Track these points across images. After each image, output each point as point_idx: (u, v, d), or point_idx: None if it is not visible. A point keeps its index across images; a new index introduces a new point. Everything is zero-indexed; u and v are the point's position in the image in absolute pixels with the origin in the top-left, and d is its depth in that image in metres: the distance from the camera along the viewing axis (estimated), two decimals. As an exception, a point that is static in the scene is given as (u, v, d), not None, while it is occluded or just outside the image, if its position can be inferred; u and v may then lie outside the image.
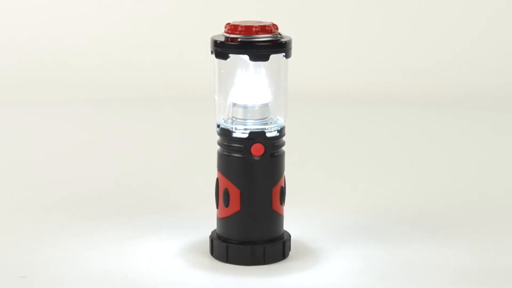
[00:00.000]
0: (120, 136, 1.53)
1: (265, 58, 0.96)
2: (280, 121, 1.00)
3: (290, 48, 0.97)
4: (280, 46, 0.96)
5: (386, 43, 1.90)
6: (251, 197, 0.99)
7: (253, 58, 0.96)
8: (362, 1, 1.93)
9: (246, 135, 0.98)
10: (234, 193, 0.99)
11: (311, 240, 1.07)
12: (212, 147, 1.01)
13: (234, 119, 0.98)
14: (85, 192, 1.22)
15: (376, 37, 1.90)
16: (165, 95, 1.78)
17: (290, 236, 1.02)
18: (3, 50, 1.86)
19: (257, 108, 0.98)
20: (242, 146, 0.98)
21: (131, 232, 1.07)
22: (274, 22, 0.98)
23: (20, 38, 1.89)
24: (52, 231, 1.08)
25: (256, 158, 0.98)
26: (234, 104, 0.98)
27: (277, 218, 1.00)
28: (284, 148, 1.00)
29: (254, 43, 0.95)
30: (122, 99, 1.75)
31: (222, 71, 0.97)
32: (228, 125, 0.98)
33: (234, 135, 0.98)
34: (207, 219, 1.06)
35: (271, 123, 0.99)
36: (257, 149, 0.98)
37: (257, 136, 0.98)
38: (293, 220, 1.05)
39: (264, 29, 0.96)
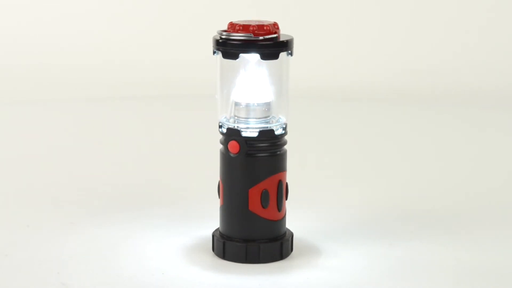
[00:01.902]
0: (121, 135, 1.54)
1: (234, 56, 0.96)
2: (282, 120, 0.99)
3: (269, 49, 0.95)
4: (251, 46, 0.95)
5: (386, 43, 1.90)
6: (228, 194, 1.00)
7: (225, 55, 0.97)
8: (364, 1, 1.92)
9: (224, 131, 0.99)
10: (221, 187, 1.01)
11: (312, 239, 1.06)
12: (214, 145, 1.03)
13: (236, 117, 0.99)
14: (87, 190, 1.23)
15: (376, 37, 1.90)
16: (167, 94, 1.74)
17: (281, 241, 1.00)
18: (2, 50, 1.87)
19: (257, 107, 0.99)
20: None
21: (134, 229, 1.09)
22: (276, 22, 0.97)
23: (19, 38, 1.88)
24: (54, 228, 1.09)
25: (233, 155, 0.99)
26: (235, 103, 0.99)
27: (254, 219, 0.99)
28: (275, 152, 0.99)
29: (226, 41, 0.96)
30: (124, 98, 1.74)
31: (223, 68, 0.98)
32: (221, 121, 0.99)
33: (220, 130, 1.00)
34: (210, 216, 1.08)
35: (272, 121, 0.99)
36: (232, 146, 0.99)
37: (232, 134, 0.98)
38: (294, 219, 1.05)
39: (246, 28, 0.96)
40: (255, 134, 0.98)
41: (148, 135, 1.55)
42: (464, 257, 1.02)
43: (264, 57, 0.96)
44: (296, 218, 1.07)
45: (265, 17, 1.02)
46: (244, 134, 0.98)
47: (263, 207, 0.99)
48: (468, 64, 1.83)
